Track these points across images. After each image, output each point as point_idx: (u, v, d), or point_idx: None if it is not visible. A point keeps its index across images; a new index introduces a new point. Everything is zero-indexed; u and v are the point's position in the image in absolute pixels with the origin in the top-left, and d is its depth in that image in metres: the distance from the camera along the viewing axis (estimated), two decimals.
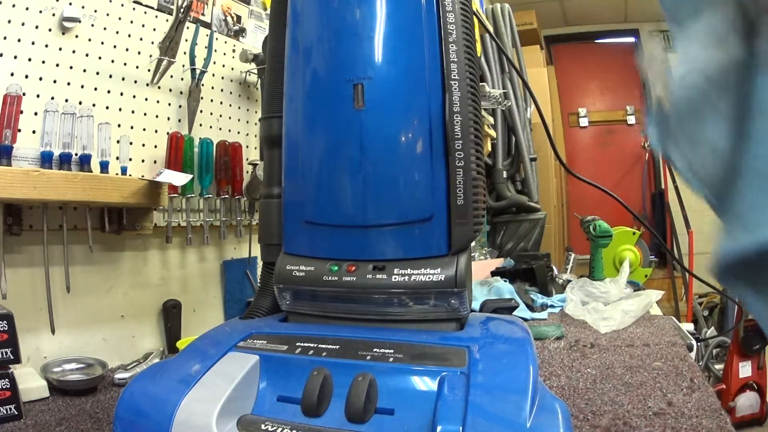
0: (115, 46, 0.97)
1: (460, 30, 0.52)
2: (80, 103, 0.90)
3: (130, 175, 0.95)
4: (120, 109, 0.98)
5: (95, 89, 0.93)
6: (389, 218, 0.51)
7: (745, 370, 1.98)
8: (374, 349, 0.46)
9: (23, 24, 0.83)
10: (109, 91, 0.96)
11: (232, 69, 1.22)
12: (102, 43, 0.95)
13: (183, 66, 1.09)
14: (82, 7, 0.91)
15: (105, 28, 0.95)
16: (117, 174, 0.92)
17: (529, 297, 1.29)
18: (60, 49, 0.88)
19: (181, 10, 1.03)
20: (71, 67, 0.90)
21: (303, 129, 0.56)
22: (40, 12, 0.85)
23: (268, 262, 0.62)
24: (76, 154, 0.87)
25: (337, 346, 0.47)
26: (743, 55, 0.27)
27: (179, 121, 1.09)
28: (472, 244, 0.53)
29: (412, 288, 0.50)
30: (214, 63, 1.15)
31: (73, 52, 0.90)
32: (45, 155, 0.82)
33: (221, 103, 1.19)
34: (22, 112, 0.81)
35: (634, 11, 4.03)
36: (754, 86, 0.26)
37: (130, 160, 0.96)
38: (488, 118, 1.88)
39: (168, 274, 1.07)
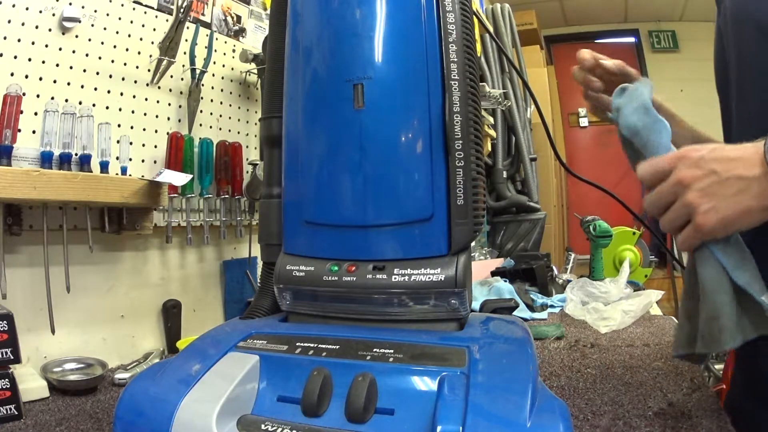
0: (115, 46, 0.97)
1: (460, 30, 0.52)
2: (80, 103, 0.90)
3: (130, 175, 0.95)
4: (120, 109, 0.98)
5: (95, 89, 0.93)
6: (389, 218, 0.51)
7: None
8: (374, 349, 0.46)
9: (23, 24, 0.83)
10: (109, 91, 0.96)
11: (232, 69, 1.22)
12: (102, 43, 0.95)
13: (183, 66, 1.09)
14: (82, 7, 0.91)
15: (105, 28, 0.95)
16: (117, 174, 0.92)
17: (529, 297, 1.29)
18: (60, 49, 0.88)
19: (181, 10, 1.03)
20: (71, 67, 0.90)
21: (303, 129, 0.56)
22: (40, 12, 0.85)
23: (268, 262, 0.62)
24: (76, 154, 0.87)
25: (337, 346, 0.47)
26: None
27: (179, 121, 1.09)
28: (472, 244, 0.53)
29: (412, 288, 0.50)
30: (214, 63, 1.15)
31: (73, 52, 0.90)
32: (45, 155, 0.82)
33: (221, 103, 1.19)
34: (22, 112, 0.81)
35: (634, 11, 4.03)
36: None
37: (130, 160, 0.96)
38: (488, 118, 1.88)
39: (168, 274, 1.07)
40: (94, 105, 0.92)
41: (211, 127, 1.17)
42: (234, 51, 1.22)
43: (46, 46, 0.86)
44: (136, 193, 0.88)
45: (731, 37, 0.61)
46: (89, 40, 0.93)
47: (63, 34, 0.89)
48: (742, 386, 0.64)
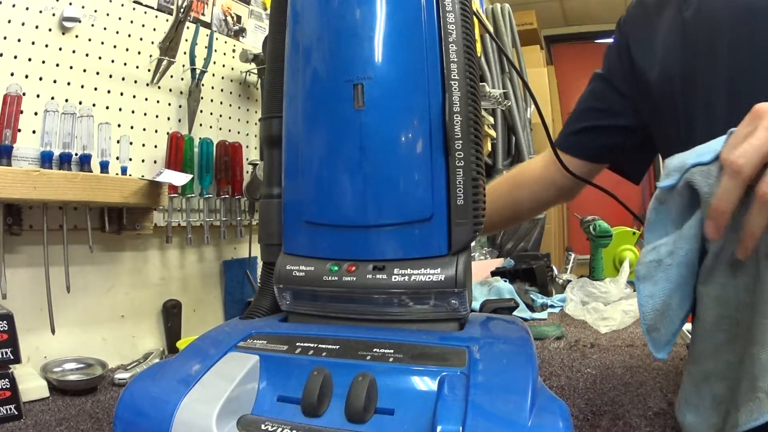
0: (115, 46, 0.97)
1: (460, 30, 0.52)
2: (80, 103, 0.90)
3: (130, 175, 0.95)
4: (120, 109, 0.98)
5: (95, 89, 0.93)
6: (389, 218, 0.51)
7: None
8: (374, 349, 0.46)
9: (23, 24, 0.83)
10: (109, 91, 0.96)
11: (232, 69, 1.22)
12: (102, 43, 0.95)
13: (183, 66, 1.09)
14: (82, 7, 0.91)
15: (105, 28, 0.95)
16: (117, 174, 0.92)
17: (529, 297, 1.30)
18: (60, 49, 0.88)
19: (181, 10, 1.03)
20: (71, 67, 0.90)
21: (303, 129, 0.56)
22: (40, 12, 0.85)
23: (268, 262, 0.62)
24: (76, 154, 0.87)
25: (337, 346, 0.47)
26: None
27: (179, 121, 1.09)
28: (472, 244, 0.53)
29: (412, 288, 0.50)
30: (214, 63, 1.15)
31: (73, 52, 0.90)
32: (45, 155, 0.82)
33: (221, 103, 1.19)
34: (22, 112, 0.81)
35: None
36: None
37: (130, 160, 0.96)
38: (488, 118, 1.88)
39: (168, 274, 1.07)
40: (94, 105, 0.92)
41: (211, 127, 1.17)
42: (234, 51, 1.22)
43: (46, 46, 0.86)
44: (136, 193, 0.88)
45: (725, 30, 0.59)
46: (89, 40, 0.93)
47: (63, 34, 0.89)
48: None
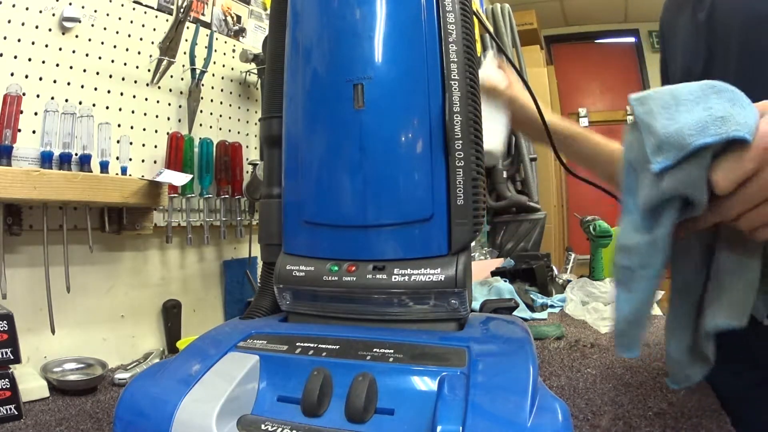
0: (115, 46, 0.97)
1: (460, 30, 0.52)
2: (80, 103, 0.90)
3: (130, 175, 0.95)
4: (120, 109, 0.98)
5: (95, 89, 0.93)
6: (389, 218, 0.51)
7: None
8: (374, 349, 0.46)
9: (23, 24, 0.83)
10: (109, 91, 0.96)
11: (232, 69, 1.22)
12: (102, 43, 0.95)
13: (183, 66, 1.09)
14: (82, 7, 0.91)
15: (105, 28, 0.95)
16: (117, 174, 0.92)
17: (529, 297, 1.29)
18: (60, 49, 0.88)
19: (181, 10, 1.03)
20: (71, 67, 0.90)
21: (303, 129, 0.56)
22: (40, 12, 0.85)
23: (269, 262, 0.62)
24: (76, 154, 0.87)
25: (337, 346, 0.47)
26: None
27: (179, 121, 1.09)
28: (472, 244, 0.53)
29: (412, 288, 0.50)
30: (214, 63, 1.15)
31: (73, 52, 0.90)
32: (45, 155, 0.82)
33: (221, 103, 1.19)
34: (22, 112, 0.81)
35: (634, 11, 4.03)
36: None
37: (130, 160, 0.96)
38: None
39: (168, 274, 1.07)
40: (94, 105, 0.92)
41: (211, 127, 1.17)
42: (234, 51, 1.22)
43: (46, 46, 0.86)
44: (136, 193, 0.88)
45: (736, 34, 0.59)
46: (89, 40, 0.93)
47: (63, 34, 0.89)
48: None
